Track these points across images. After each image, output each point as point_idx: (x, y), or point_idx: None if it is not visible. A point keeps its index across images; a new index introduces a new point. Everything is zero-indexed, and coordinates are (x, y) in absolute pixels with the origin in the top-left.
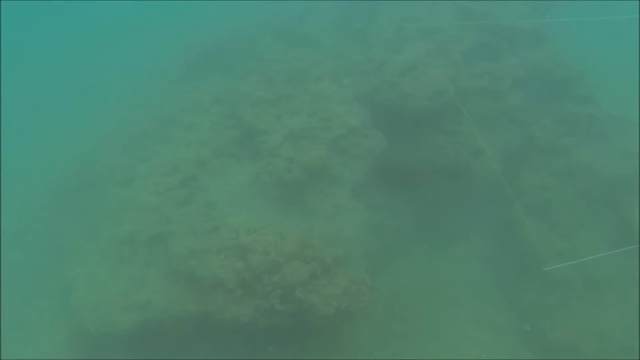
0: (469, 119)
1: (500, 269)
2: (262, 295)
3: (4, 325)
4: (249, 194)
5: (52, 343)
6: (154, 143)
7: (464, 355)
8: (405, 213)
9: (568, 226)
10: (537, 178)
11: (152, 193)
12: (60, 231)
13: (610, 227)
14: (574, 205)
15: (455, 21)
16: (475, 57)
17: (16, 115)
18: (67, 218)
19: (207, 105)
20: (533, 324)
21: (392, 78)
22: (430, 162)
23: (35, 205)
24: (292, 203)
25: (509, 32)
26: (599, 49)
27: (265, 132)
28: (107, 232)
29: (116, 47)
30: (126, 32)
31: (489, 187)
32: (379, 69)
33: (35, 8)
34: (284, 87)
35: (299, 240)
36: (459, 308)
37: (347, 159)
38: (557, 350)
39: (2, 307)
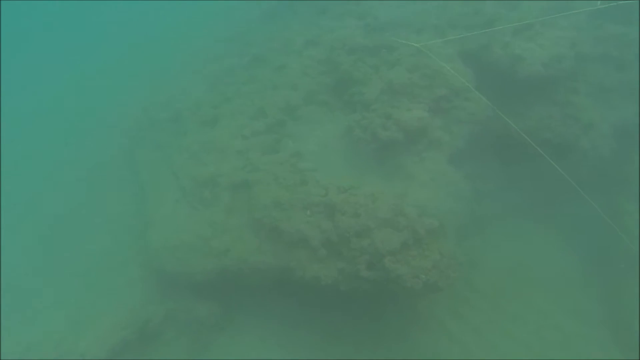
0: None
1: (595, 258)
2: (347, 259)
3: (83, 252)
4: (340, 148)
5: (127, 278)
6: (240, 82)
7: (546, 342)
8: (502, 186)
9: None
10: None
11: (236, 136)
12: (142, 166)
13: None
14: None
15: None
16: (603, 18)
17: (106, 46)
18: (149, 153)
19: (299, 47)
20: (625, 319)
21: (502, 37)
22: (535, 134)
23: (118, 137)
24: (385, 163)
25: None
26: None
27: (362, 82)
28: (189, 172)
29: None
30: None
31: (595, 169)
32: (489, 24)
33: None
34: (384, 36)
35: (392, 206)
36: (544, 292)
37: (447, 122)
38: None
39: (82, 233)
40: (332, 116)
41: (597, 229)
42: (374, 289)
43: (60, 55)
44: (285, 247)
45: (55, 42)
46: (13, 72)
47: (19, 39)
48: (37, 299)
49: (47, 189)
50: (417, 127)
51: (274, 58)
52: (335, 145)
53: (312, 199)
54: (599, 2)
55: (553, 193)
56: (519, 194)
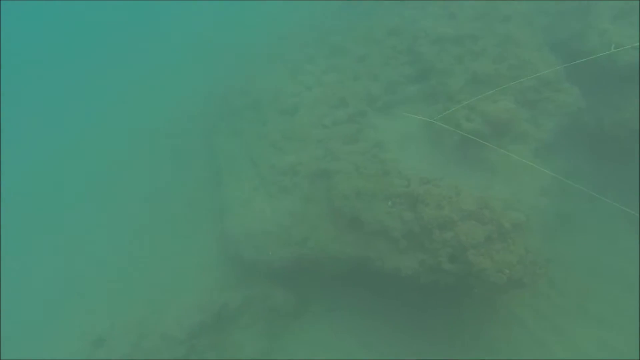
0: None
1: None
2: (429, 251)
3: (163, 235)
4: (422, 139)
5: (205, 263)
6: (320, 71)
7: (633, 347)
8: (591, 181)
9: None
10: None
11: (317, 125)
12: (220, 153)
13: None
14: None
15: None
16: None
17: (188, 32)
18: (228, 140)
19: (381, 36)
20: None
21: (600, 23)
22: (630, 127)
23: (197, 124)
24: (468, 156)
25: None
26: None
27: (445, 73)
28: (268, 160)
29: None
30: None
31: None
32: (584, 10)
33: None
34: (468, 25)
35: (477, 198)
36: (633, 295)
37: (535, 115)
38: None
39: (161, 217)
40: (414, 107)
41: None
42: (454, 282)
43: (145, 40)
44: (365, 237)
45: (137, 27)
46: (96, 58)
47: (99, 29)
48: (120, 279)
49: (128, 176)
50: (503, 118)
51: (355, 47)
52: (417, 136)
53: (394, 190)
54: None
55: None
56: (609, 192)
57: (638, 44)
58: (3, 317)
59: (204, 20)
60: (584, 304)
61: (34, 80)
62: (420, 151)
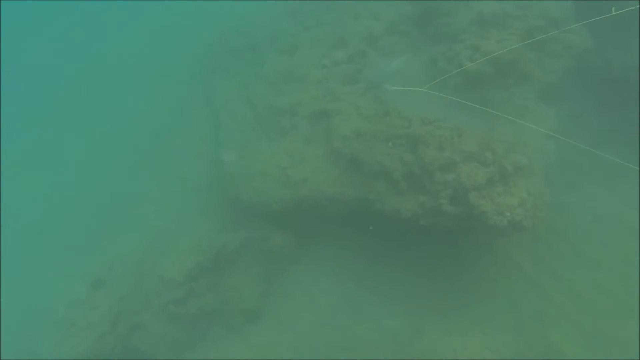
0: None
1: None
2: (430, 193)
3: (159, 179)
4: (423, 81)
5: (202, 205)
6: (320, 11)
7: (631, 289)
8: (596, 125)
9: None
10: None
11: (316, 66)
12: (217, 94)
13: None
14: None
15: None
16: None
17: None
18: (225, 81)
19: None
20: None
21: None
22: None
23: (194, 64)
24: (471, 97)
25: None
26: None
27: (449, 13)
28: (266, 101)
29: None
30: None
31: None
32: None
33: None
34: None
35: (479, 140)
36: (633, 240)
37: (541, 56)
38: None
39: (158, 160)
40: (416, 48)
41: None
42: (454, 225)
43: None
44: (365, 178)
45: None
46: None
47: None
48: (118, 220)
49: (125, 119)
50: (508, 59)
51: None
52: (419, 77)
53: (395, 131)
54: None
55: None
56: (614, 138)
57: None
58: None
59: None
60: (582, 248)
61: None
62: (422, 93)
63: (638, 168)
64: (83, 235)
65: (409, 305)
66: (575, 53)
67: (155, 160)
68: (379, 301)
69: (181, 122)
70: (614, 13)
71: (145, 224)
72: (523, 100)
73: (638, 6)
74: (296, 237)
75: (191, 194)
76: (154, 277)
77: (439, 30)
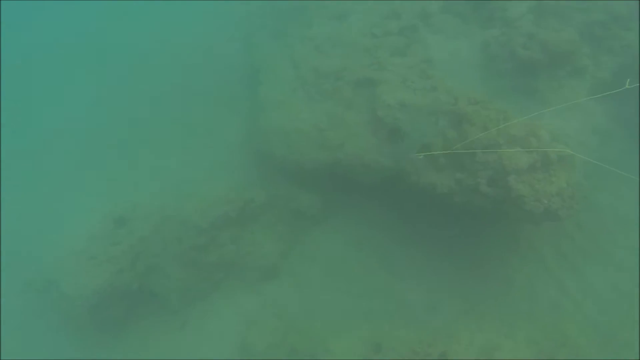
0: None
1: None
2: (469, 171)
3: (191, 127)
4: (473, 63)
5: (234, 158)
6: None
7: None
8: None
9: None
10: None
11: (366, 34)
12: (260, 52)
13: None
14: None
15: None
16: None
17: None
18: (269, 41)
19: None
20: None
21: None
22: None
23: (238, 21)
24: (519, 84)
25: None
26: None
27: None
28: (311, 63)
29: None
30: None
31: None
32: None
33: None
34: None
35: (525, 125)
36: None
37: (597, 51)
38: None
39: (192, 110)
40: (468, 29)
41: None
42: (488, 205)
43: None
44: (403, 149)
45: None
46: None
47: None
48: (148, 163)
49: (162, 64)
50: (563, 50)
51: None
52: (469, 59)
53: (441, 106)
54: None
55: None
56: None
57: None
58: (27, 186)
59: None
60: (606, 249)
61: None
62: (470, 74)
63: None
64: (110, 173)
65: (428, 283)
66: (634, 53)
67: (191, 109)
68: (399, 276)
69: (221, 77)
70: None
71: (175, 169)
72: (573, 93)
73: None
74: (323, 201)
75: (222, 147)
76: (177, 222)
77: (494, 14)
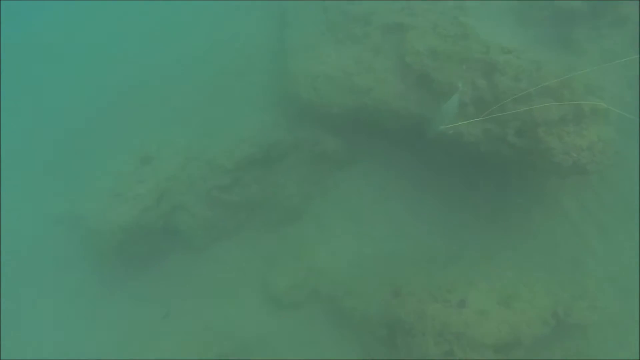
0: None
1: None
2: (497, 121)
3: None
4: (507, 10)
5: (259, 100)
6: None
7: None
8: None
9: None
10: None
11: None
12: None
13: None
14: None
15: None
16: None
17: None
18: None
19: None
20: None
21: None
22: None
23: None
24: (556, 34)
25: None
26: None
27: None
28: (340, 6)
29: None
30: None
31: None
32: None
33: None
34: None
35: (559, 77)
36: None
37: None
38: None
39: (217, 51)
40: None
41: None
42: (515, 157)
43: None
44: (432, 97)
45: None
46: None
47: None
48: (174, 103)
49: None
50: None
51: None
52: (503, 5)
53: (471, 55)
54: None
55: None
56: None
57: None
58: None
59: None
60: (633, 206)
61: None
62: (505, 22)
63: None
64: (136, 111)
65: (451, 231)
66: None
67: (217, 51)
68: (421, 223)
69: (246, 20)
70: None
71: (201, 108)
72: (612, 44)
73: None
74: (349, 146)
75: (250, 88)
76: (202, 162)
77: None
